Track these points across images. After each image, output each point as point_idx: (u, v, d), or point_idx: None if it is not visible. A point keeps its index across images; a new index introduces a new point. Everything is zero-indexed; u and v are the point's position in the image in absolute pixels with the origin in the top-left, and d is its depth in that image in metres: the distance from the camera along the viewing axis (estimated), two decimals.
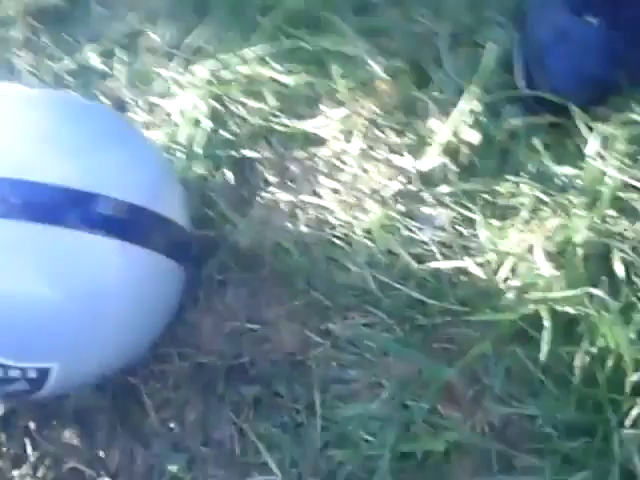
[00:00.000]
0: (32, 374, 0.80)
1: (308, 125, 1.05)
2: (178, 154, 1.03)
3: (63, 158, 0.81)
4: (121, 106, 1.10)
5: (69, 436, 0.91)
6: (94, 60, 1.14)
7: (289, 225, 0.99)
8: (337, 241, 0.97)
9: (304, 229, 0.98)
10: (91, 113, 0.91)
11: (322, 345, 0.92)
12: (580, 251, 0.90)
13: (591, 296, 0.87)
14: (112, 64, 1.14)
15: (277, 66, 1.09)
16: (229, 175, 1.02)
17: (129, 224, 0.82)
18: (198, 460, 0.89)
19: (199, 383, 0.92)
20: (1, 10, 1.19)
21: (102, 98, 1.11)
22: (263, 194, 1.01)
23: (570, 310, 0.87)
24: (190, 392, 0.91)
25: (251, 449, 0.88)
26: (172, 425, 0.91)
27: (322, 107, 1.06)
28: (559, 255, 0.91)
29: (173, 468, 0.88)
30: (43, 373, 0.80)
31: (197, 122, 1.06)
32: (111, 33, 1.16)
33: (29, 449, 0.91)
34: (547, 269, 0.90)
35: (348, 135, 1.04)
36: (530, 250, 0.92)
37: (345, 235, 0.97)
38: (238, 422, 0.90)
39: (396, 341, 0.91)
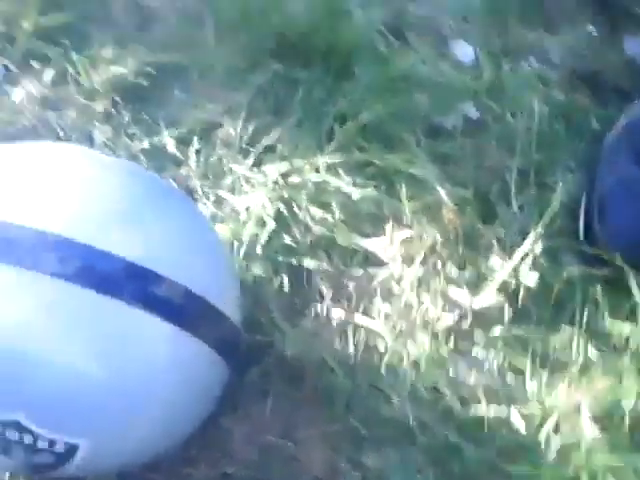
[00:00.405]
0: (60, 448, 0.79)
1: (370, 244, 1.05)
2: (239, 253, 1.04)
3: (130, 231, 0.81)
4: (190, 194, 1.12)
5: None
6: (170, 145, 1.16)
7: (337, 343, 0.99)
8: (383, 369, 0.96)
9: (351, 350, 0.98)
10: (166, 193, 0.92)
11: (351, 476, 0.91)
12: (627, 418, 0.90)
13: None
14: (187, 151, 1.15)
15: (346, 178, 1.10)
16: (285, 281, 1.03)
17: (184, 310, 0.82)
18: None
19: None
20: (88, 82, 1.21)
21: (172, 183, 1.12)
22: (316, 307, 1.01)
23: None
24: None
25: None
26: None
27: (386, 227, 1.07)
28: (606, 418, 0.91)
29: None
30: (71, 449, 0.80)
31: (262, 222, 1.07)
32: (189, 120, 1.18)
33: None
34: (592, 432, 0.89)
35: (408, 260, 1.04)
36: (576, 409, 0.92)
37: (392, 364, 0.97)
38: None
39: None
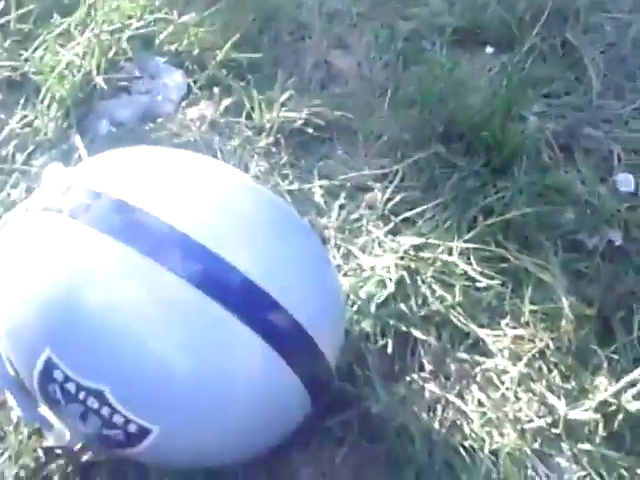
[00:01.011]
0: (133, 428, 0.82)
1: (482, 332, 1.05)
2: (353, 305, 1.06)
3: (256, 251, 0.84)
4: (322, 242, 1.15)
5: None
6: (317, 194, 1.20)
7: (424, 415, 0.99)
8: (463, 451, 0.95)
9: (436, 425, 0.98)
10: (297, 228, 0.93)
11: None
12: None
13: None
14: (332, 204, 1.19)
15: (476, 266, 1.11)
16: (390, 343, 1.04)
17: (287, 338, 0.84)
18: None
19: None
20: (259, 118, 1.27)
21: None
22: (413, 376, 1.02)
23: None
24: None
25: None
26: None
27: (502, 321, 1.07)
28: None
29: None
30: (143, 432, 0.82)
31: (383, 284, 1.09)
32: (342, 176, 1.22)
33: None
34: None
35: (515, 357, 1.03)
36: None
37: (472, 448, 0.96)
38: None
39: None
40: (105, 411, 0.82)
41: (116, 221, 0.83)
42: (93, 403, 0.82)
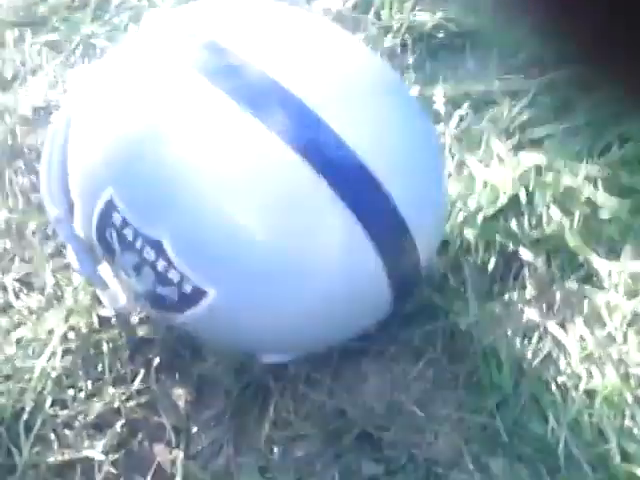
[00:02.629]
0: (188, 288, 0.74)
1: (599, 263, 0.93)
2: (458, 214, 0.95)
3: (370, 129, 0.75)
4: None
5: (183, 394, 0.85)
6: (439, 102, 1.09)
7: (518, 341, 0.88)
8: (554, 387, 0.84)
9: (529, 355, 0.87)
10: (420, 117, 0.84)
11: (472, 475, 0.80)
12: None
13: None
14: (453, 112, 1.08)
15: (601, 195, 0.99)
16: (492, 260, 0.93)
17: (382, 224, 0.75)
18: None
19: (325, 429, 0.83)
20: (388, 18, 1.17)
21: None
22: (513, 297, 0.91)
23: None
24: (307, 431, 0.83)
25: None
26: None
27: (622, 255, 0.94)
28: None
29: None
30: (198, 294, 0.74)
31: (496, 197, 0.98)
32: (465, 87, 1.11)
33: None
34: None
35: (630, 294, 0.91)
36: None
37: (564, 386, 0.84)
38: None
39: None
40: (160, 264, 0.74)
41: (218, 66, 0.74)
42: (149, 254, 0.74)
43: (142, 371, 0.87)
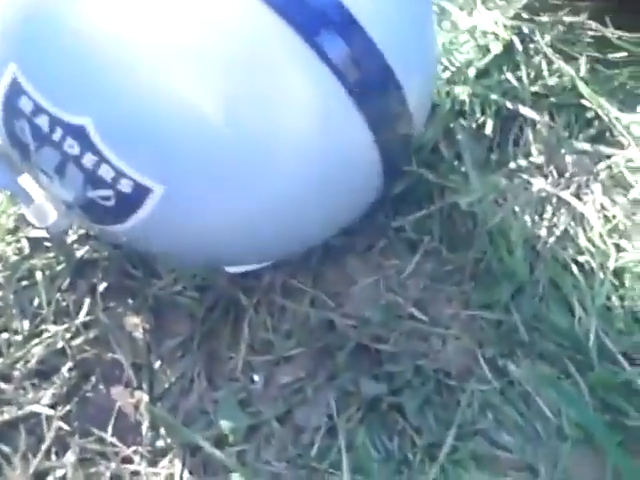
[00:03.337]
0: (127, 186, 0.58)
1: (614, 114, 0.79)
2: (444, 72, 0.80)
3: None
4: None
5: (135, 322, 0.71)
6: None
7: (528, 219, 0.74)
8: (575, 268, 0.71)
9: (543, 232, 0.73)
10: None
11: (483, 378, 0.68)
12: None
13: None
14: None
15: (612, 31, 0.84)
16: (489, 123, 0.78)
17: (365, 75, 0.58)
18: None
19: (311, 347, 0.70)
20: None
21: None
22: (518, 165, 0.76)
23: None
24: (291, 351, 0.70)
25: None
26: None
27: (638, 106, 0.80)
28: None
29: None
30: (141, 193, 0.58)
31: (485, 49, 0.82)
32: None
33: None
34: None
35: None
36: None
37: (588, 265, 0.71)
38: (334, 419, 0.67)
39: None
40: (88, 159, 0.58)
41: None
42: (72, 147, 0.58)
43: (87, 300, 0.73)
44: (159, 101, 0.56)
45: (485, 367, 0.69)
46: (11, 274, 0.73)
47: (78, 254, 0.74)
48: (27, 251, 0.74)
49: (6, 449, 0.67)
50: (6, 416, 0.68)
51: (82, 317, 0.72)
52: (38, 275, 0.73)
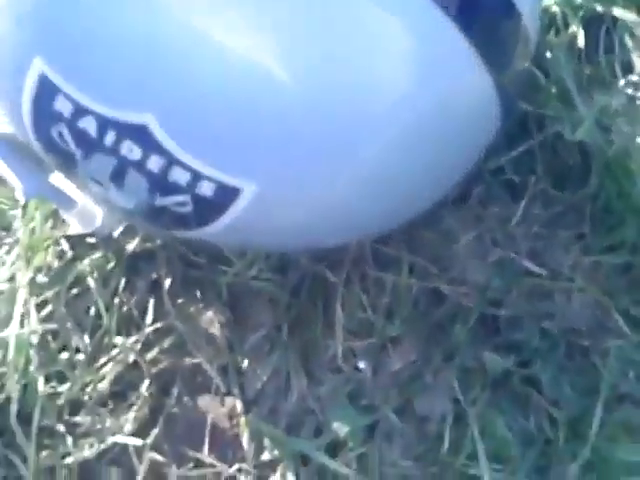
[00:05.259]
0: (206, 190, 0.47)
1: None
2: None
3: None
4: None
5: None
6: None
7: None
8: None
9: None
10: None
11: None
12: None
13: None
14: None
15: None
16: (580, 35, 0.67)
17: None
18: None
19: (418, 323, 0.61)
20: None
21: None
22: (626, 86, 0.66)
23: None
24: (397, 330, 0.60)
25: None
26: None
27: None
28: None
29: None
30: (226, 195, 0.47)
31: None
32: None
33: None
34: None
35: None
36: None
37: None
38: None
39: None
40: (154, 163, 0.47)
41: None
42: (131, 151, 0.47)
43: (151, 300, 0.62)
44: (239, 81, 0.45)
45: (619, 319, 0.60)
46: (58, 284, 0.62)
47: (129, 248, 0.64)
48: (70, 254, 0.63)
49: None
50: (87, 453, 0.58)
51: (149, 321, 0.62)
52: (89, 280, 0.63)
